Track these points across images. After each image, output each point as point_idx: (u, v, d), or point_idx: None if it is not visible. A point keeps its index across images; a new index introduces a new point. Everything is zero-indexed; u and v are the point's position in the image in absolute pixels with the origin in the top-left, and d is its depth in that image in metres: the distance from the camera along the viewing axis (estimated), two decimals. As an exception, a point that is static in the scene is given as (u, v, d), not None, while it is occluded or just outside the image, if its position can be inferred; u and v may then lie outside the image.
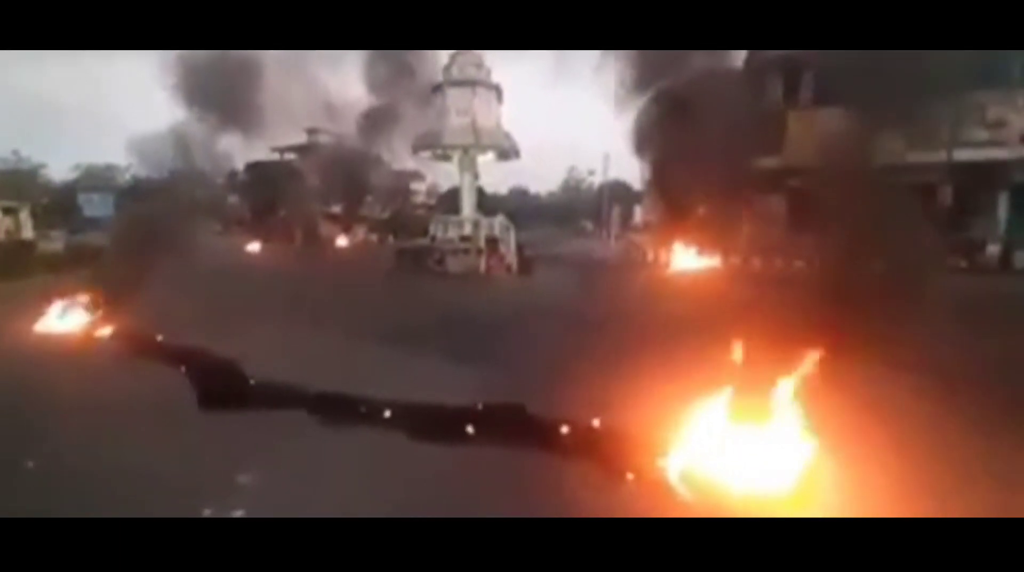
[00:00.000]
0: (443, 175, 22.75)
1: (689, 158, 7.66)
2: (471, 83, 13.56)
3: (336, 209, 26.98)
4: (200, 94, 10.34)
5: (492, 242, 14.02)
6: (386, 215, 31.40)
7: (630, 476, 3.24)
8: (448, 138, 13.71)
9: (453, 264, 13.75)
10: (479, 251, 13.70)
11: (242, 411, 4.34)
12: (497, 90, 14.18)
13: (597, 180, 38.57)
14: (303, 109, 13.49)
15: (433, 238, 14.73)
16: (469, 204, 14.91)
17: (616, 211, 28.75)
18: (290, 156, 29.24)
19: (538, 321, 7.74)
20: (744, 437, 3.22)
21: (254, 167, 29.51)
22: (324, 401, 4.39)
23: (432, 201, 37.00)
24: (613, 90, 8.06)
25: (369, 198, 30.38)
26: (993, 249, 15.14)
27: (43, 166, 35.43)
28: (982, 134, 16.43)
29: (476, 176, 15.18)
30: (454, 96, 13.60)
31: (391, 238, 25.76)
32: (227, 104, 10.68)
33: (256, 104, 11.11)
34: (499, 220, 14.47)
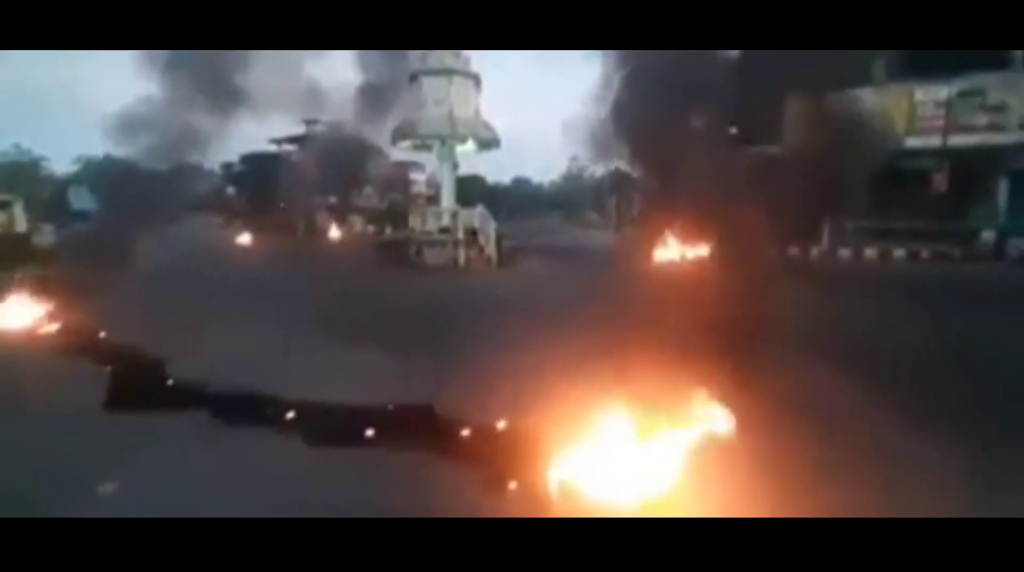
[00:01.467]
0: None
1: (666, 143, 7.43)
2: (447, 72, 13.30)
3: (333, 200, 26.97)
4: (186, 77, 10.31)
5: (472, 233, 13.83)
6: (384, 206, 31.25)
7: (512, 484, 3.12)
8: (424, 128, 13.50)
9: (430, 256, 13.60)
10: (456, 243, 13.53)
11: (147, 412, 4.23)
12: (475, 79, 13.93)
13: (600, 169, 37.98)
14: (293, 93, 13.42)
15: (412, 229, 14.59)
16: (448, 195, 14.73)
17: (614, 200, 28.37)
18: (288, 147, 29.17)
19: (492, 316, 7.59)
20: (637, 446, 3.08)
21: (250, 159, 29.56)
22: (235, 402, 4.30)
23: (432, 191, 36.75)
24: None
25: (369, 189, 30.33)
26: (988, 237, 14.70)
27: (45, 159, 35.68)
28: (982, 119, 15.94)
29: (456, 166, 14.98)
30: (430, 85, 13.36)
31: (388, 229, 25.63)
32: (214, 85, 10.65)
33: (245, 86, 11.11)
34: (479, 211, 14.25)
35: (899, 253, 15.80)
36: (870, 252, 16.16)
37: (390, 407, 4.18)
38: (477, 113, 14.08)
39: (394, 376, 4.84)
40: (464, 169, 28.52)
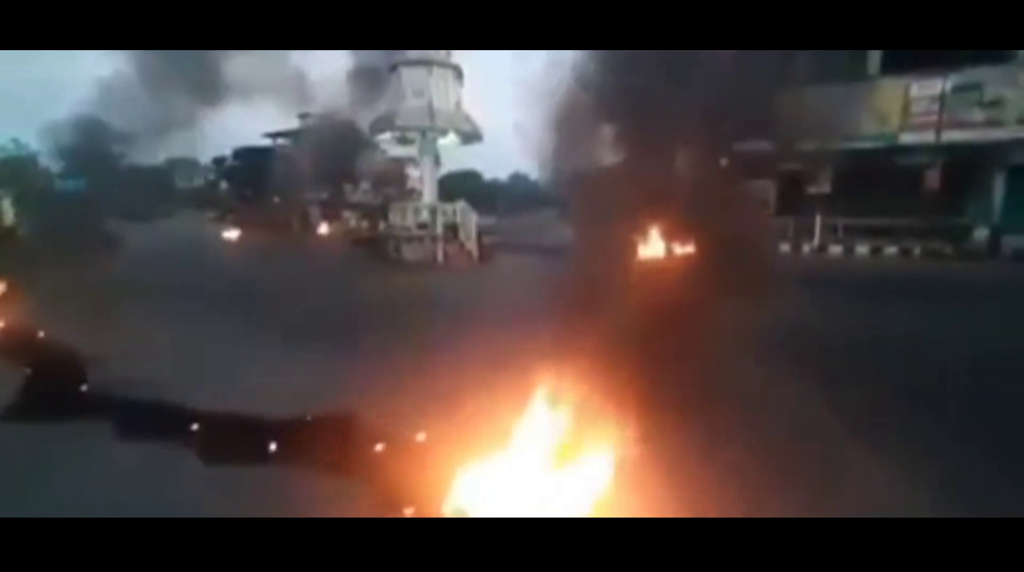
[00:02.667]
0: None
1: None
2: (427, 63, 12.98)
3: (325, 196, 26.74)
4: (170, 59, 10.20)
5: (451, 229, 13.55)
6: (379, 201, 30.95)
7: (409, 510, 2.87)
8: (402, 120, 13.19)
9: (408, 252, 13.34)
10: (434, 238, 13.26)
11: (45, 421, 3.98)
12: (456, 70, 13.62)
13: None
14: (282, 80, 13.29)
15: (392, 225, 14.33)
16: (430, 190, 14.45)
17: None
18: (282, 142, 28.95)
19: (452, 317, 7.35)
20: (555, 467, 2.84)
21: (243, 153, 29.35)
22: (137, 410, 4.05)
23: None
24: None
25: (365, 185, 30.07)
26: (981, 234, 14.32)
27: (43, 154, 35.41)
28: (979, 114, 15.55)
29: (438, 160, 14.70)
30: (409, 76, 13.05)
31: (382, 225, 25.32)
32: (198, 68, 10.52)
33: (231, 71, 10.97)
34: (460, 206, 13.94)
35: (891, 250, 15.51)
36: (862, 249, 15.87)
37: (292, 416, 3.91)
38: (458, 106, 13.77)
39: (308, 381, 4.57)
40: (460, 164, 28.22)
